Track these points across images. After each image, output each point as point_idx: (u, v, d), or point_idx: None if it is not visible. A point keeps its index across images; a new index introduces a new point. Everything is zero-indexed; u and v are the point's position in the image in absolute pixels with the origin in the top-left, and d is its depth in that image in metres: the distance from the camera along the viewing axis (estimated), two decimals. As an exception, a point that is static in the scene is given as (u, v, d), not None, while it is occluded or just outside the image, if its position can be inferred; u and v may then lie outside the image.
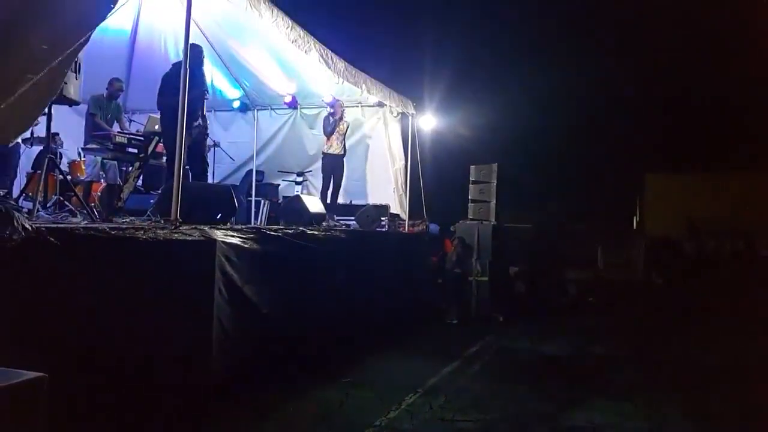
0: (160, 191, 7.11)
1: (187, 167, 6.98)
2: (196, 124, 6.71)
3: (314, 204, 8.27)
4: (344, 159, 9.77)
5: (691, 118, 22.93)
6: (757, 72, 20.19)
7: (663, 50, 22.96)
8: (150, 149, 6.50)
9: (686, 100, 22.95)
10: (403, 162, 10.72)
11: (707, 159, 20.76)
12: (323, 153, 9.67)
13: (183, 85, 4.93)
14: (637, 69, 23.10)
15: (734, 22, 20.16)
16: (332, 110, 9.64)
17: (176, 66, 6.97)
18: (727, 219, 15.20)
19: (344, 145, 9.73)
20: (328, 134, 9.57)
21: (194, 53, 7.29)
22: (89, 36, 4.17)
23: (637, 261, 15.18)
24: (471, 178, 11.18)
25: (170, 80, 6.44)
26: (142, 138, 6.65)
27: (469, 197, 11.09)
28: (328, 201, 9.38)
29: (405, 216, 10.44)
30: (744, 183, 17.05)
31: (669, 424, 4.92)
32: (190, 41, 5.15)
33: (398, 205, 10.69)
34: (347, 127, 9.81)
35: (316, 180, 10.08)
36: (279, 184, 10.59)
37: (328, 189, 9.57)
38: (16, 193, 6.36)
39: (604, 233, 17.59)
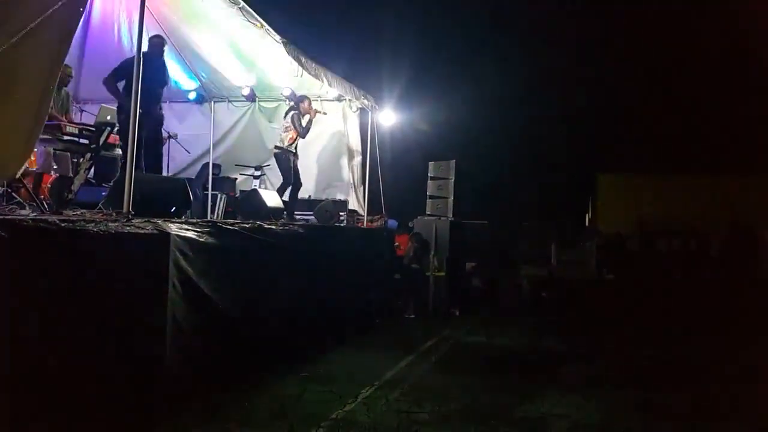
0: (112, 183, 6.94)
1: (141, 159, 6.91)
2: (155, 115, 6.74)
3: (272, 198, 8.20)
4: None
5: (644, 120, 23.61)
6: (709, 73, 20.91)
7: (617, 52, 23.55)
8: (102, 140, 6.33)
9: (638, 101, 23.61)
10: (361, 157, 10.70)
11: (658, 160, 21.42)
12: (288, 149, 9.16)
13: (136, 73, 4.83)
14: (592, 70, 23.63)
15: (689, 22, 20.81)
16: (301, 110, 9.08)
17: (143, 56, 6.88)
18: (677, 218, 15.73)
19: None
20: (304, 135, 9.14)
21: (154, 44, 7.19)
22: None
23: (589, 258, 15.55)
24: (429, 174, 11.27)
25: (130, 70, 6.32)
26: (93, 129, 6.47)
27: (428, 193, 11.19)
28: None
29: (362, 211, 10.45)
30: (694, 183, 17.68)
31: (618, 415, 5.09)
32: (147, 32, 5.03)
33: (355, 201, 10.67)
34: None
35: (273, 175, 9.93)
36: (236, 178, 10.44)
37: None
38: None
39: (558, 231, 17.99)
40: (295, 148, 9.12)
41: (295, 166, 9.15)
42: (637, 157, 21.92)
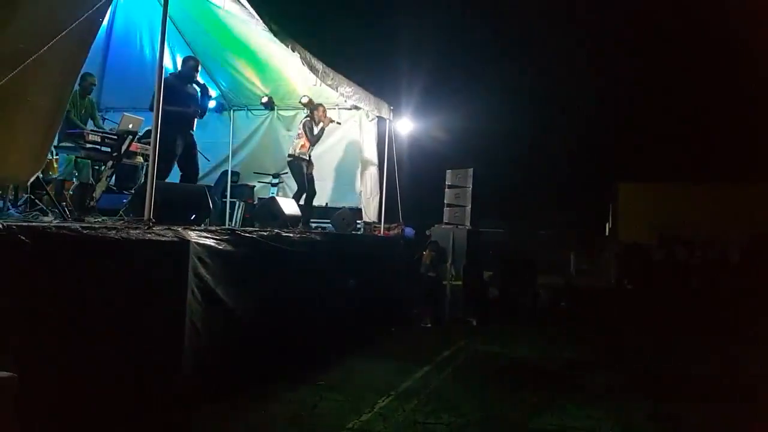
0: (133, 191, 7.04)
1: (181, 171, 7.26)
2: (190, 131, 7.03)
3: (289, 206, 8.24)
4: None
5: (665, 128, 23.38)
6: (732, 82, 20.66)
7: (638, 60, 23.38)
8: (123, 148, 6.42)
9: (659, 109, 23.40)
10: (376, 167, 10.68)
11: (678, 168, 21.18)
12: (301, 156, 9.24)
13: (158, 81, 4.89)
14: (614, 78, 23.48)
15: (710, 32, 20.60)
16: (315, 118, 9.15)
17: (176, 76, 7.05)
18: (697, 228, 15.52)
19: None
20: (314, 142, 9.18)
21: (190, 66, 7.31)
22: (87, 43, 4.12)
23: (609, 268, 15.40)
24: (447, 183, 11.26)
25: (169, 90, 6.53)
26: (115, 137, 6.57)
27: (445, 201, 11.17)
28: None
29: (375, 221, 10.43)
30: (714, 192, 17.44)
31: (637, 427, 5.02)
32: (168, 41, 5.11)
33: (369, 210, 10.61)
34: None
35: (291, 182, 9.99)
36: (254, 186, 10.53)
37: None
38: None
39: (577, 240, 17.85)
40: (309, 155, 9.15)
41: (309, 173, 9.18)
42: (657, 165, 21.70)
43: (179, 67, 7.90)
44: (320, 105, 9.29)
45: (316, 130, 9.06)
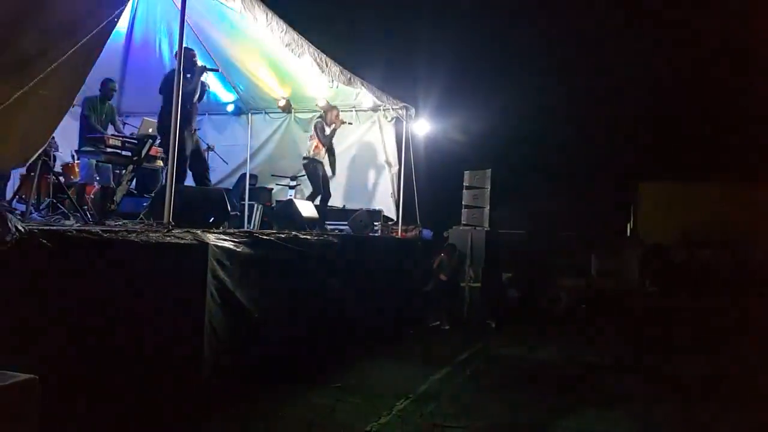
0: (153, 194, 7.11)
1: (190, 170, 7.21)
2: (195, 128, 7.01)
3: (307, 208, 8.26)
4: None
5: (686, 128, 23.06)
6: (756, 78, 20.31)
7: (659, 59, 23.10)
8: (143, 152, 6.49)
9: (680, 108, 23.08)
10: (398, 167, 10.70)
11: (702, 168, 20.84)
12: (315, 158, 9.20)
13: (177, 87, 4.93)
14: (633, 76, 23.20)
15: (729, 31, 20.31)
16: (327, 119, 9.15)
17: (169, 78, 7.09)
18: (721, 228, 15.26)
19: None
20: (327, 144, 9.15)
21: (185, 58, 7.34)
22: (100, 42, 4.15)
23: (631, 269, 15.19)
24: (465, 184, 11.20)
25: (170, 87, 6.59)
26: (135, 141, 6.65)
27: (463, 203, 11.12)
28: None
29: (398, 221, 10.44)
30: (737, 193, 17.14)
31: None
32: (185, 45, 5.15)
33: (393, 210, 10.65)
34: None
35: (309, 185, 10.02)
36: (272, 188, 10.58)
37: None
38: (9, 195, 6.35)
39: (598, 241, 17.62)
40: (323, 157, 9.17)
41: (324, 175, 9.20)
42: (679, 165, 21.39)
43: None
44: (334, 107, 9.31)
45: (327, 131, 9.09)
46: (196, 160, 7.27)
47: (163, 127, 6.89)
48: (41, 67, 3.78)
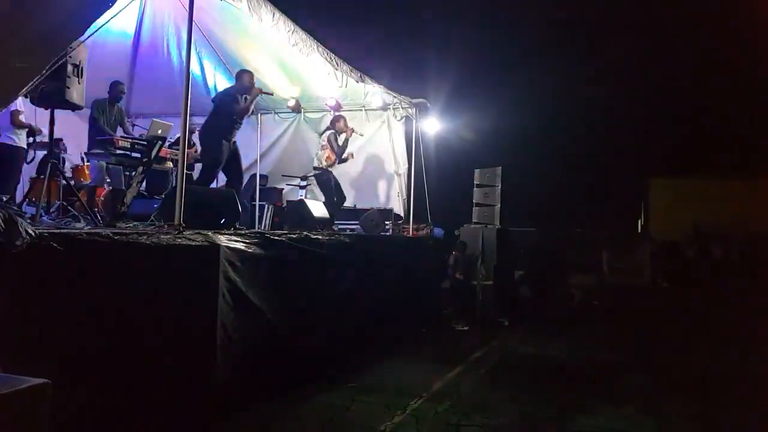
0: (163, 196, 7.11)
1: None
2: (233, 140, 7.33)
3: (318, 208, 8.23)
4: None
5: (697, 124, 22.87)
6: (764, 77, 20.12)
7: (670, 56, 22.92)
8: (153, 154, 6.48)
9: (692, 105, 22.90)
10: (407, 166, 10.64)
11: (713, 164, 20.67)
12: (327, 168, 9.09)
13: (185, 88, 4.90)
14: (645, 73, 23.06)
15: (738, 29, 20.12)
16: (337, 129, 9.10)
17: (238, 91, 7.36)
18: (732, 224, 15.13)
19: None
20: (341, 155, 9.07)
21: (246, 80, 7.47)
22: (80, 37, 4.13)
23: (643, 266, 15.10)
24: (475, 182, 11.15)
25: (224, 105, 7.23)
26: (145, 143, 6.64)
27: (474, 201, 11.06)
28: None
29: (409, 219, 10.39)
30: (750, 188, 16.98)
31: (674, 428, 4.89)
32: (195, 47, 5.13)
33: (402, 209, 10.59)
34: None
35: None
36: (283, 189, 10.55)
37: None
38: (19, 198, 6.35)
39: (609, 238, 17.51)
40: (335, 167, 9.16)
41: (336, 182, 9.19)
42: (691, 160, 21.22)
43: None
44: (341, 117, 9.29)
45: (341, 141, 9.07)
46: (232, 165, 7.43)
47: (204, 138, 7.35)
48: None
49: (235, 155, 7.43)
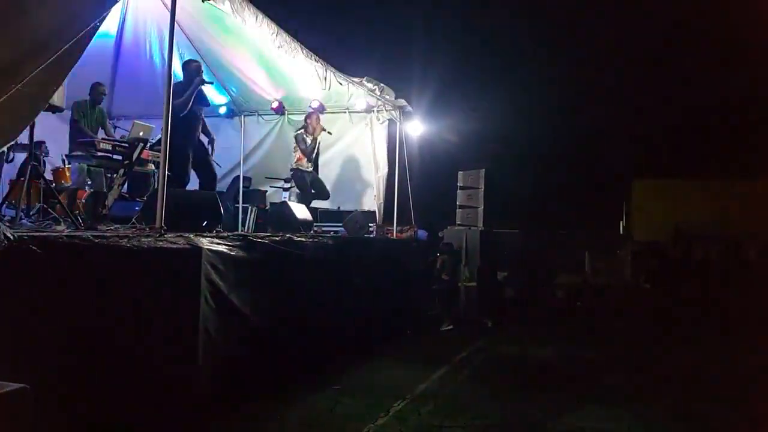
0: (145, 198, 7.05)
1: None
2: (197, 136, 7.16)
3: (301, 211, 8.21)
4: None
5: (678, 125, 23.13)
6: (745, 78, 20.40)
7: (650, 57, 23.18)
8: (135, 156, 6.43)
9: (673, 106, 23.16)
10: (386, 170, 10.59)
11: (694, 165, 20.92)
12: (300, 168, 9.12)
13: (167, 91, 4.88)
14: (625, 75, 23.28)
15: (722, 28, 20.38)
16: (308, 126, 9.10)
17: (183, 84, 7.15)
18: (714, 225, 15.30)
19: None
20: (309, 154, 9.09)
21: (193, 68, 7.32)
22: (82, 43, 4.07)
23: (625, 266, 15.23)
24: (459, 184, 11.20)
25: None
26: (126, 145, 6.58)
27: (457, 203, 11.11)
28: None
29: (392, 222, 10.37)
30: (731, 189, 17.20)
31: (659, 427, 4.94)
32: (178, 48, 5.10)
33: (378, 212, 10.49)
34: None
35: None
36: (266, 191, 10.51)
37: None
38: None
39: (592, 239, 17.65)
40: (309, 164, 9.17)
41: (314, 180, 9.24)
42: (673, 161, 21.47)
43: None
44: (313, 113, 9.33)
45: (309, 141, 9.09)
46: (201, 166, 7.35)
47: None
48: (28, 67, 3.69)
49: (203, 156, 7.34)
